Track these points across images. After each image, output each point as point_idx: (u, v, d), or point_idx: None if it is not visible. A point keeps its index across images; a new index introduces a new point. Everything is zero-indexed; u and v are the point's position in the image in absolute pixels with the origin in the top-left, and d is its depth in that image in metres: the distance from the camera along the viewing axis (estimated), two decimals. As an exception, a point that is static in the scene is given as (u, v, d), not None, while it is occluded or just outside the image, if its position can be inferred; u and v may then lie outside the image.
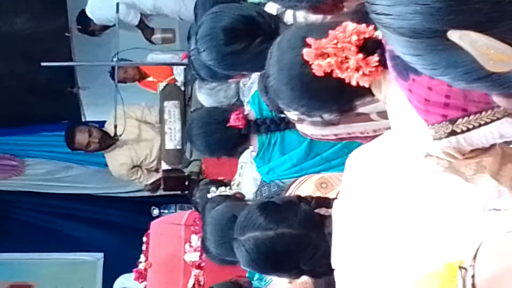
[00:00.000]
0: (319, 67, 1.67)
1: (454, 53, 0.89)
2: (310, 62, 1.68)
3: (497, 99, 0.98)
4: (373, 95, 1.79)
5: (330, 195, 2.23)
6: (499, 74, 0.90)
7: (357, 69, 1.66)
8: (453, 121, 1.44)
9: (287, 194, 2.47)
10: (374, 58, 1.65)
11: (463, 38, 0.87)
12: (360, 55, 1.65)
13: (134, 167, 6.52)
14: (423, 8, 0.87)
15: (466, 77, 0.91)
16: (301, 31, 1.84)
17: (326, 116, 1.96)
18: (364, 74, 1.65)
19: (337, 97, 1.81)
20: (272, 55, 1.88)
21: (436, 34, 0.88)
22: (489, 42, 0.87)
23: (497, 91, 0.95)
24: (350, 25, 1.69)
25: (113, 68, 5.79)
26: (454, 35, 0.87)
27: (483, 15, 0.86)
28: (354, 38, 1.66)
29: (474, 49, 0.87)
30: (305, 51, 1.69)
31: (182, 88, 5.77)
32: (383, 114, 1.87)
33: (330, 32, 1.69)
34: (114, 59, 5.65)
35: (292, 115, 2.14)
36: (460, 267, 1.26)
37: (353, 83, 1.66)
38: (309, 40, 1.69)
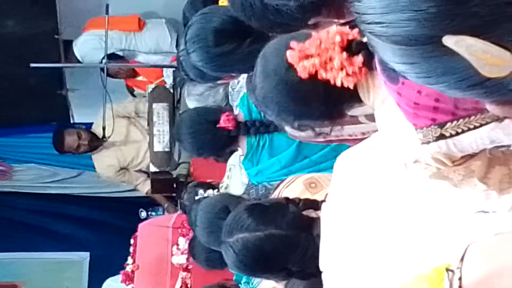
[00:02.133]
0: (303, 68, 1.66)
1: (449, 59, 0.88)
2: (295, 65, 1.68)
3: (490, 107, 0.97)
4: (361, 101, 1.79)
5: (319, 195, 2.23)
6: (494, 80, 0.89)
7: (341, 68, 1.65)
8: (442, 125, 1.44)
9: (276, 193, 2.47)
10: (359, 58, 1.65)
11: (459, 43, 0.86)
12: (344, 54, 1.65)
13: (121, 169, 6.50)
14: (418, 14, 0.86)
15: (461, 84, 0.90)
16: (285, 38, 1.83)
17: (317, 127, 1.95)
18: (348, 74, 1.65)
19: (324, 101, 1.80)
20: (257, 65, 1.87)
21: (431, 40, 0.87)
22: (485, 47, 0.86)
23: (492, 98, 0.94)
24: (333, 27, 1.69)
25: (102, 69, 5.77)
26: (449, 41, 0.86)
27: (480, 19, 0.85)
28: (338, 38, 1.66)
29: (470, 54, 0.86)
30: (288, 53, 1.69)
31: (171, 91, 5.75)
32: (371, 117, 1.87)
33: (313, 33, 1.69)
34: (104, 61, 5.63)
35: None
36: (447, 270, 1.26)
37: (338, 83, 1.65)
38: (293, 44, 1.69)
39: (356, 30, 1.67)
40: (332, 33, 1.67)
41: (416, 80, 0.93)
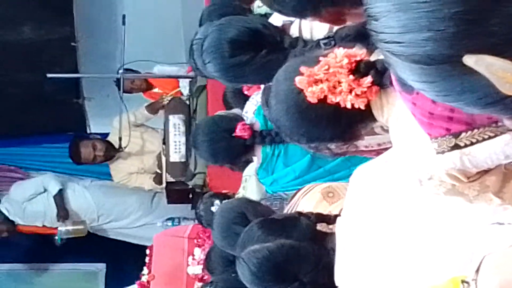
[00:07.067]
0: (312, 93, 1.68)
1: (469, 78, 0.87)
2: (304, 90, 1.69)
3: (508, 122, 0.97)
4: (375, 120, 1.78)
5: (337, 205, 2.23)
6: None
7: (350, 91, 1.66)
8: (456, 135, 1.44)
9: (293, 202, 2.48)
10: (367, 79, 1.66)
11: (479, 62, 0.85)
12: (351, 77, 1.66)
13: (137, 173, 6.52)
14: (437, 34, 0.85)
15: (480, 102, 0.90)
16: (295, 62, 1.85)
17: (333, 147, 1.96)
18: (357, 95, 1.66)
19: (335, 123, 1.80)
20: (272, 87, 1.89)
21: (451, 60, 0.86)
22: (505, 65, 0.85)
23: (510, 114, 0.93)
24: (341, 50, 1.70)
25: (118, 79, 5.80)
26: (469, 60, 0.85)
27: (499, 38, 0.84)
28: (345, 61, 1.67)
29: (490, 73, 0.86)
30: (297, 78, 1.71)
31: (187, 102, 5.77)
32: (387, 128, 1.86)
33: (322, 58, 1.70)
34: (120, 71, 5.66)
35: None
36: (463, 281, 1.25)
37: (348, 105, 1.66)
38: (302, 68, 1.70)
39: (363, 51, 1.69)
40: (339, 56, 1.68)
41: (435, 98, 0.92)
